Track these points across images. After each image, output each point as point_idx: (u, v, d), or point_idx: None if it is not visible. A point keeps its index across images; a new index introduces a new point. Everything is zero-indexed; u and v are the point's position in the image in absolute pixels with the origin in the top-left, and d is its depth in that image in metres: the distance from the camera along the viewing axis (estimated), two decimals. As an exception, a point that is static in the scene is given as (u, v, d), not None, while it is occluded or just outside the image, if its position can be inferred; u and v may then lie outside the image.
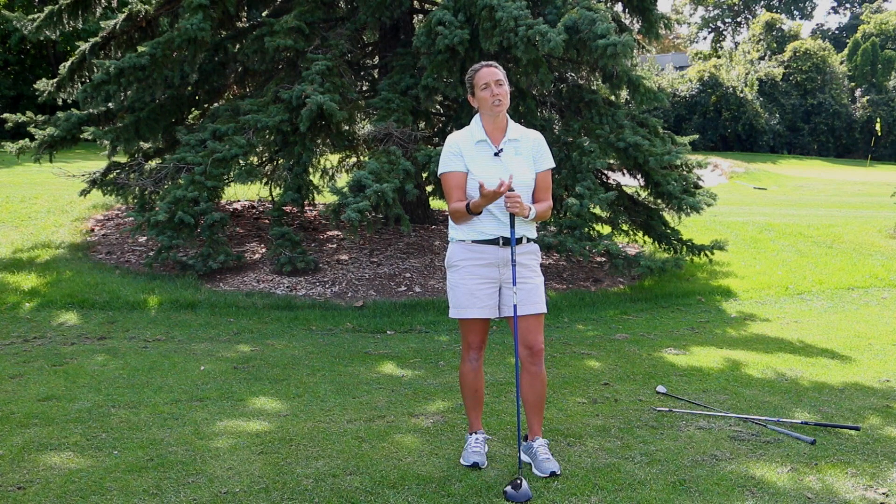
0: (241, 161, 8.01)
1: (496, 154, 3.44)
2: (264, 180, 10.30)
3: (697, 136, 14.93)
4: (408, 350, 5.96)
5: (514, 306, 3.41)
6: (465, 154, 3.44)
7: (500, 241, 3.43)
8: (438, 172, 3.53)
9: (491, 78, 3.40)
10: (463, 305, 3.47)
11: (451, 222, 3.56)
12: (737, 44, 47.69)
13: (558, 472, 3.41)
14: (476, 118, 3.52)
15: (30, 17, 9.86)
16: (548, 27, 7.23)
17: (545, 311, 3.54)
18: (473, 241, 3.44)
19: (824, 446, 3.83)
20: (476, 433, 3.65)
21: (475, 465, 3.51)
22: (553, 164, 3.59)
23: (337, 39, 8.66)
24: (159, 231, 7.55)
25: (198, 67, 9.21)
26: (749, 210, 15.48)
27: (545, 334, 3.85)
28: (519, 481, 3.21)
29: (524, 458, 3.54)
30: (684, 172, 9.00)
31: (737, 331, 6.83)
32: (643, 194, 9.29)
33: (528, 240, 3.52)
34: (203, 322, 6.75)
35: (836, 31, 54.10)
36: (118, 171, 9.65)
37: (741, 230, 11.81)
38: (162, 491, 3.25)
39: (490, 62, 3.49)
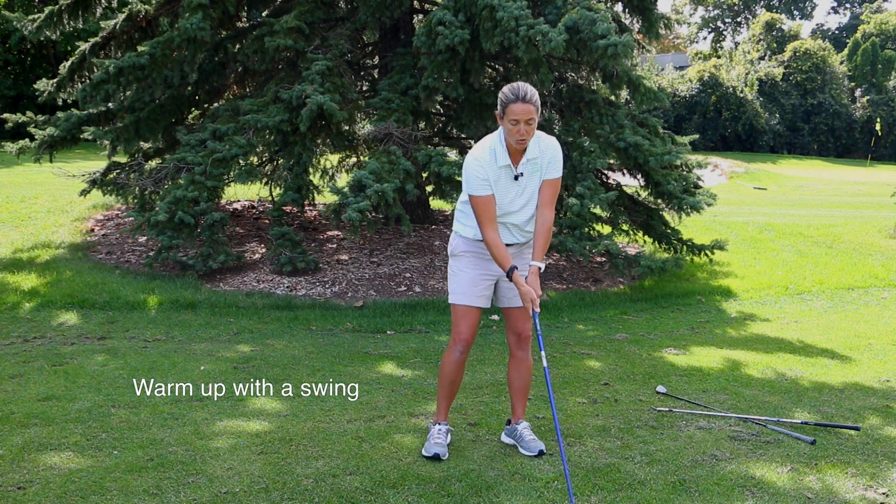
0: (241, 161, 8.00)
1: (516, 178, 3.50)
2: (264, 180, 10.29)
3: (697, 136, 14.92)
4: (408, 350, 5.96)
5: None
6: (491, 179, 3.47)
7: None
8: (468, 192, 3.50)
9: (523, 116, 3.32)
10: (463, 292, 3.61)
11: (458, 217, 3.66)
12: (737, 44, 47.65)
13: (545, 451, 3.58)
14: (500, 135, 3.48)
15: (30, 17, 9.84)
16: (548, 27, 7.23)
17: None
18: (479, 240, 3.57)
19: (824, 446, 3.84)
20: (440, 424, 3.72)
21: (436, 457, 3.56)
22: (560, 174, 3.57)
23: (337, 39, 8.65)
24: (159, 231, 7.55)
25: (198, 67, 9.19)
26: (749, 210, 15.47)
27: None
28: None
29: (507, 440, 3.76)
30: (684, 172, 8.99)
31: (737, 331, 6.83)
32: (643, 194, 9.29)
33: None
34: (203, 322, 6.75)
35: (836, 31, 54.05)
36: (118, 171, 9.64)
37: (741, 230, 11.81)
38: (162, 491, 3.25)
39: (527, 96, 3.32)
